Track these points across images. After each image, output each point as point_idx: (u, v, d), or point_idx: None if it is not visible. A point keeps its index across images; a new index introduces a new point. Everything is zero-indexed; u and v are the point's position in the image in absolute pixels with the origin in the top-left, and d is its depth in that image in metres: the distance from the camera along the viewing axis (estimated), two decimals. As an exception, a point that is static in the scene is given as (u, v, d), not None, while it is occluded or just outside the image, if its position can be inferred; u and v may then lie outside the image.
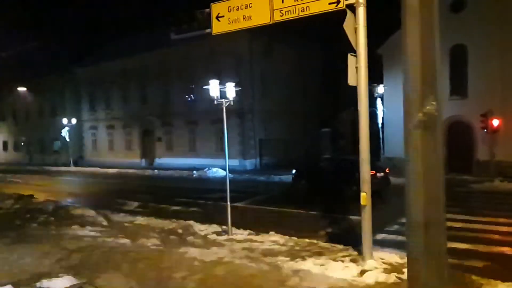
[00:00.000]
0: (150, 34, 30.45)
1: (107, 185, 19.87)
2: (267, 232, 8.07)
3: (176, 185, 19.06)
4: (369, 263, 5.87)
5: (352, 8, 5.85)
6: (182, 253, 6.86)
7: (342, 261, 6.09)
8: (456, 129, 16.99)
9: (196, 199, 13.68)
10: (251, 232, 8.26)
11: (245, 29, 6.93)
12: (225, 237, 7.93)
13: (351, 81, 5.99)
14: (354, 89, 6.04)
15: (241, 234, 8.14)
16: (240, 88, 9.06)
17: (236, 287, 5.33)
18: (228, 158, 8.91)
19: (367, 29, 5.87)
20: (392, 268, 5.72)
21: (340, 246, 7.01)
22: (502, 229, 8.55)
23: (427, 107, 2.43)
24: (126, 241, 7.79)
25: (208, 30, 7.26)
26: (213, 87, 7.95)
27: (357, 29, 5.83)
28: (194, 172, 22.82)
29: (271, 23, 6.52)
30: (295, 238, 7.65)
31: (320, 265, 5.93)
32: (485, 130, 17.03)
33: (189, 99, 26.44)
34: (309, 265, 5.98)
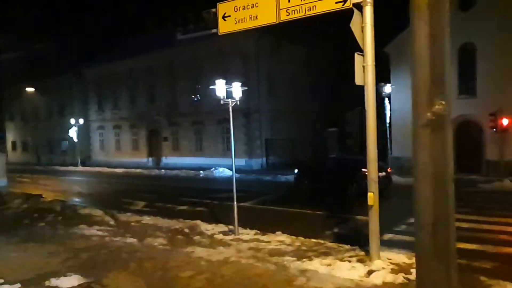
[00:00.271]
0: (157, 34, 30.63)
1: (114, 185, 19.98)
2: (274, 232, 8.06)
3: (182, 185, 19.12)
4: (377, 263, 5.83)
5: (359, 7, 5.81)
6: (189, 253, 6.88)
7: (349, 261, 6.05)
8: (464, 129, 16.83)
9: (203, 199, 13.71)
10: (258, 232, 8.25)
11: (252, 28, 6.92)
12: (231, 236, 7.93)
13: (358, 81, 5.96)
14: (361, 89, 6.00)
15: (247, 234, 8.14)
16: (246, 88, 9.05)
17: (242, 286, 5.33)
18: (235, 157, 8.91)
19: (374, 28, 5.84)
20: (400, 269, 5.68)
21: (347, 246, 6.97)
22: (511, 230, 8.46)
23: (436, 107, 2.39)
24: (133, 240, 7.82)
25: (214, 30, 7.26)
26: (220, 87, 7.95)
27: (364, 28, 5.79)
28: (201, 171, 22.87)
29: (277, 22, 6.50)
30: (302, 238, 7.63)
31: (327, 265, 5.91)
32: (494, 130, 16.85)
33: (195, 99, 26.53)
34: (316, 265, 5.96)
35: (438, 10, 2.26)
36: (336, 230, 8.86)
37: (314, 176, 14.30)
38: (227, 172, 21.65)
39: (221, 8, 7.08)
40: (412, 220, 8.98)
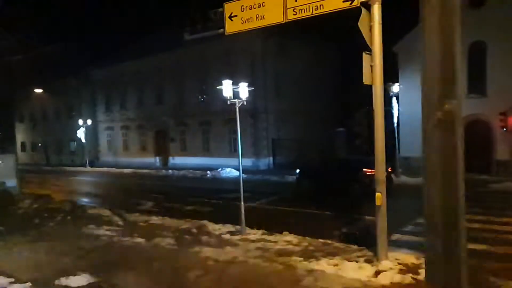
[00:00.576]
0: (164, 35, 30.74)
1: (122, 185, 20.11)
2: (281, 232, 8.05)
3: (190, 185, 19.18)
4: (384, 264, 5.80)
5: (367, 5, 5.77)
6: (197, 253, 6.90)
7: (357, 262, 6.03)
8: (474, 128, 16.63)
9: (210, 199, 13.74)
10: (265, 232, 8.25)
11: (259, 28, 6.91)
12: (239, 236, 7.94)
13: (366, 80, 5.93)
14: (369, 88, 5.97)
15: (254, 234, 8.14)
16: (253, 88, 9.06)
17: (250, 286, 5.33)
18: (242, 158, 8.92)
19: (382, 27, 5.80)
20: (408, 269, 5.63)
21: (355, 247, 6.94)
22: (522, 230, 8.35)
23: (447, 106, 2.36)
24: (141, 240, 7.87)
25: (221, 30, 7.27)
26: (226, 87, 7.97)
27: (372, 27, 5.76)
28: (208, 172, 22.92)
29: (284, 22, 6.49)
30: (309, 238, 7.61)
31: (334, 265, 5.89)
32: (505, 129, 16.64)
33: (202, 99, 26.60)
34: (323, 265, 5.94)
35: (449, 7, 2.23)
36: (343, 230, 8.81)
37: (316, 176, 14.35)
38: (234, 173, 21.66)
39: (228, 8, 7.08)
40: (420, 220, 8.92)
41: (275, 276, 5.63)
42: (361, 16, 5.79)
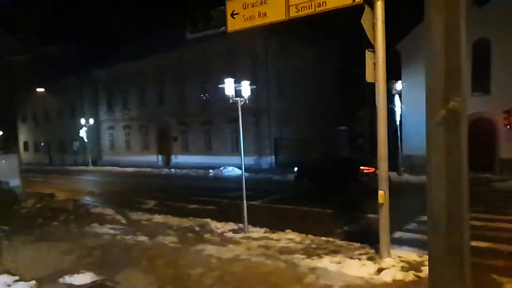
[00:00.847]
0: (166, 34, 30.76)
1: (124, 184, 20.17)
2: (283, 230, 8.06)
3: (192, 184, 19.21)
4: (387, 261, 5.80)
5: (370, 2, 5.75)
6: (199, 251, 6.92)
7: (359, 259, 6.04)
8: (478, 126, 16.57)
9: (213, 198, 13.76)
10: (267, 230, 8.26)
11: (261, 26, 6.90)
12: (241, 234, 7.95)
13: (368, 78, 5.91)
14: (372, 86, 5.96)
15: (257, 232, 8.16)
16: (255, 87, 9.05)
17: (253, 284, 5.34)
18: (244, 156, 8.92)
19: (385, 24, 5.78)
20: (410, 266, 5.64)
21: (357, 244, 6.95)
22: (525, 228, 8.33)
23: (451, 103, 2.35)
24: (144, 238, 7.89)
25: (223, 28, 7.27)
26: (228, 86, 7.96)
27: (375, 24, 5.74)
28: (210, 171, 22.95)
29: (286, 19, 6.47)
30: (312, 236, 7.62)
31: (337, 263, 5.89)
32: (508, 127, 16.58)
33: (204, 98, 26.62)
34: (326, 263, 5.95)
35: (455, 2, 2.22)
36: (345, 228, 8.82)
37: (313, 174, 14.45)
38: (237, 171, 21.69)
39: (230, 6, 7.07)
40: (422, 218, 8.95)
41: (277, 274, 5.64)
42: (364, 13, 5.77)
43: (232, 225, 8.77)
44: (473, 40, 16.74)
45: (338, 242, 7.29)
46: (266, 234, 7.93)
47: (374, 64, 5.83)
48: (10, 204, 11.88)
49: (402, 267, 5.63)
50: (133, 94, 31.90)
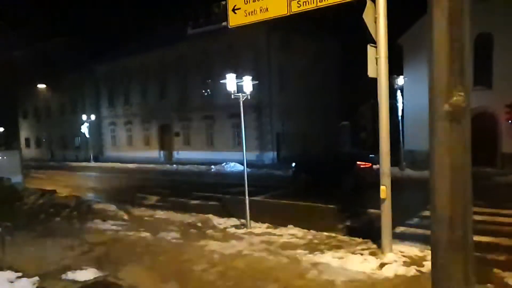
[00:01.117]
0: (167, 29, 30.70)
1: (127, 180, 20.20)
2: (286, 226, 8.08)
3: (194, 180, 19.24)
4: (389, 256, 5.81)
5: (372, -3, 5.73)
6: (202, 246, 6.94)
7: (361, 254, 6.05)
8: (479, 121, 16.47)
9: (215, 193, 13.78)
10: (270, 225, 8.28)
11: (262, 21, 6.86)
12: (243, 230, 7.97)
13: (371, 73, 5.90)
14: (374, 81, 5.94)
15: (259, 227, 8.17)
16: (257, 82, 9.03)
17: (255, 279, 5.35)
18: (246, 152, 8.92)
19: (387, 19, 5.75)
20: (412, 261, 5.66)
21: (359, 240, 6.96)
22: (527, 223, 8.33)
23: (454, 98, 2.33)
24: (146, 234, 7.91)
25: (224, 24, 7.23)
26: (230, 81, 7.94)
27: (377, 19, 5.71)
28: (212, 166, 22.97)
29: (288, 14, 6.44)
30: (314, 231, 7.63)
31: (339, 258, 5.91)
32: (510, 122, 16.51)
33: (206, 93, 26.59)
34: (328, 258, 5.97)
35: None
36: (348, 223, 8.83)
37: (311, 169, 14.61)
38: (239, 167, 21.70)
39: (231, 1, 7.03)
40: (424, 213, 8.95)
41: (280, 269, 5.65)
42: (366, 8, 5.74)
43: (234, 221, 8.79)
44: (475, 34, 16.62)
45: (340, 237, 7.31)
46: (268, 230, 7.95)
47: (376, 59, 5.81)
48: (12, 200, 11.90)
49: (404, 262, 5.64)
50: (134, 90, 31.87)
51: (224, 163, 23.03)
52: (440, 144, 2.41)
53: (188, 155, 27.86)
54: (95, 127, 33.38)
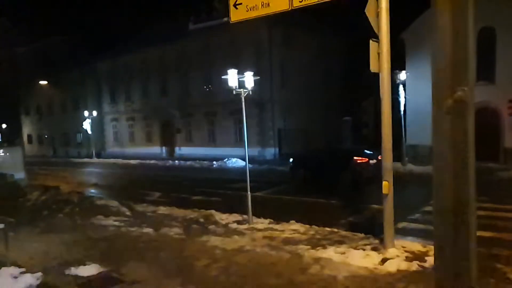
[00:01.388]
0: (168, 25, 30.62)
1: (129, 176, 20.25)
2: (288, 221, 8.09)
3: (196, 176, 19.26)
4: (391, 252, 5.82)
5: (374, -9, 5.69)
6: (204, 242, 6.96)
7: (363, 250, 6.05)
8: (482, 116, 16.44)
9: (217, 189, 13.81)
10: (272, 221, 8.29)
11: (264, 16, 6.82)
12: (246, 226, 7.99)
13: (373, 68, 5.86)
14: (376, 76, 5.91)
15: (261, 223, 8.19)
16: (258, 78, 9.01)
17: (257, 275, 5.37)
18: (248, 148, 8.92)
19: (389, 13, 5.71)
20: (414, 256, 5.66)
21: (361, 235, 6.97)
22: (530, 218, 8.32)
23: (458, 93, 2.32)
24: (149, 230, 7.94)
25: (226, 19, 7.19)
26: (232, 77, 7.92)
27: (379, 13, 5.68)
28: (214, 162, 22.99)
29: (290, 9, 6.40)
30: (316, 227, 7.64)
31: (341, 254, 5.91)
32: (513, 117, 16.46)
33: (207, 89, 26.55)
34: (330, 253, 5.97)
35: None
36: (350, 218, 8.84)
37: (308, 165, 14.69)
38: (240, 163, 21.71)
39: (232, -4, 6.99)
40: (426, 208, 8.94)
41: (282, 265, 5.67)
42: (368, 2, 5.70)
43: (236, 216, 8.81)
44: (478, 28, 16.52)
45: (342, 232, 7.31)
46: (271, 225, 7.96)
47: (379, 54, 5.78)
48: (15, 196, 11.95)
49: (406, 257, 5.64)
50: (136, 86, 31.85)
51: (226, 159, 23.05)
52: (444, 139, 2.40)
53: (190, 151, 27.88)
54: (97, 124, 33.44)
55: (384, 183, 5.89)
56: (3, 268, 5.72)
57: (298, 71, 25.23)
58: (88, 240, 7.39)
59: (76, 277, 5.53)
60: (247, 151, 8.75)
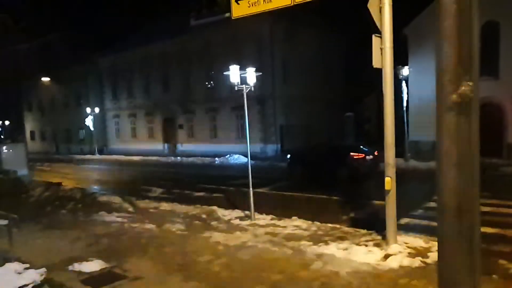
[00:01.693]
0: (170, 21, 30.55)
1: (131, 172, 20.29)
2: (290, 217, 8.09)
3: (198, 172, 19.28)
4: (393, 248, 5.81)
5: (377, -14, 5.64)
6: (206, 238, 6.97)
7: (366, 246, 6.05)
8: (486, 111, 16.29)
9: (219, 185, 13.82)
10: (274, 217, 8.30)
11: (266, 12, 6.78)
12: (248, 222, 8.00)
13: (375, 63, 5.83)
14: (378, 72, 5.88)
15: (264, 219, 8.20)
16: (260, 73, 8.97)
17: (260, 271, 5.38)
18: (250, 144, 8.91)
19: (392, 8, 5.67)
20: (417, 252, 5.65)
21: (363, 231, 6.96)
22: (533, 214, 8.28)
23: (463, 88, 2.29)
24: (151, 226, 7.96)
25: (227, 15, 7.16)
26: (234, 73, 7.90)
27: (382, 8, 5.64)
28: (216, 158, 23.00)
29: (292, 5, 6.36)
30: (318, 223, 7.64)
31: (343, 250, 5.92)
32: (516, 112, 16.38)
33: (209, 86, 26.52)
34: (332, 249, 5.98)
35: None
36: (352, 214, 8.83)
37: (306, 161, 14.81)
38: (242, 159, 21.71)
39: (234, -8, 6.95)
40: (429, 204, 8.91)
41: (284, 261, 5.67)
42: (371, -3, 5.66)
43: (238, 213, 8.82)
44: (482, 23, 16.39)
45: (345, 228, 7.31)
46: (273, 221, 7.97)
47: (381, 49, 5.74)
48: (19, 192, 12.02)
49: (408, 253, 5.64)
50: (138, 82, 31.86)
51: (228, 155, 23.06)
52: (448, 135, 2.37)
53: (192, 147, 27.91)
54: (99, 120, 33.49)
55: (387, 179, 5.87)
56: (7, 264, 5.76)
57: (300, 67, 25.15)
58: (91, 236, 7.42)
59: (79, 273, 5.56)
60: (249, 147, 8.74)
